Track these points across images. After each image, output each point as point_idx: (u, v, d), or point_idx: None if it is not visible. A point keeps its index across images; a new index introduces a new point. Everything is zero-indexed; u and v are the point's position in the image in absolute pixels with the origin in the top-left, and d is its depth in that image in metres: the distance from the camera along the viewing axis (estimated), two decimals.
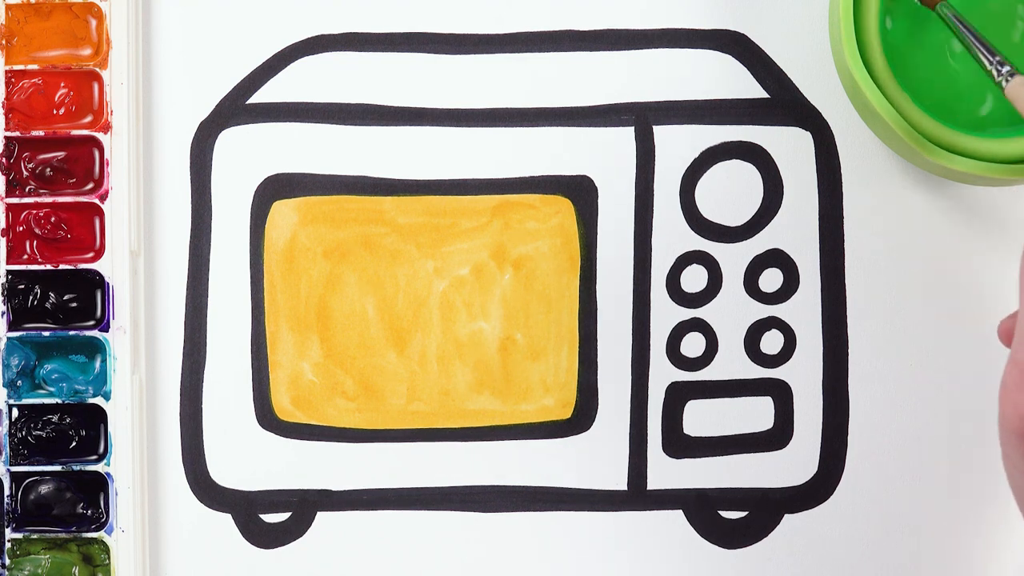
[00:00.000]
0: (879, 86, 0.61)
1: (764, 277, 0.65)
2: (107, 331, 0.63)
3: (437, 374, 0.65)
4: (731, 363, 0.65)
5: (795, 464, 0.65)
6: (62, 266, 0.63)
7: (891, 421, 0.65)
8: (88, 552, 0.63)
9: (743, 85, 0.65)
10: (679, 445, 0.65)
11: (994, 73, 0.56)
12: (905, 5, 0.63)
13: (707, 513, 0.65)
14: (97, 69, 0.63)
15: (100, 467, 0.63)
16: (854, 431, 0.65)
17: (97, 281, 0.63)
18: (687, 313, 0.65)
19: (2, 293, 0.63)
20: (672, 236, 0.65)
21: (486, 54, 0.65)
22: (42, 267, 0.63)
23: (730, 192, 0.65)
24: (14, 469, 0.63)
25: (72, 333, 0.63)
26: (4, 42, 0.64)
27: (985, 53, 0.57)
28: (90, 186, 0.64)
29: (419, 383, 0.65)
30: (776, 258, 0.65)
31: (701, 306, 0.65)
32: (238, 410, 0.65)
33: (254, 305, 0.65)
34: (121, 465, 0.63)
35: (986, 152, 0.61)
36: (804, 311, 0.65)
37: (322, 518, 0.65)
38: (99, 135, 0.63)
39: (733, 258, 0.65)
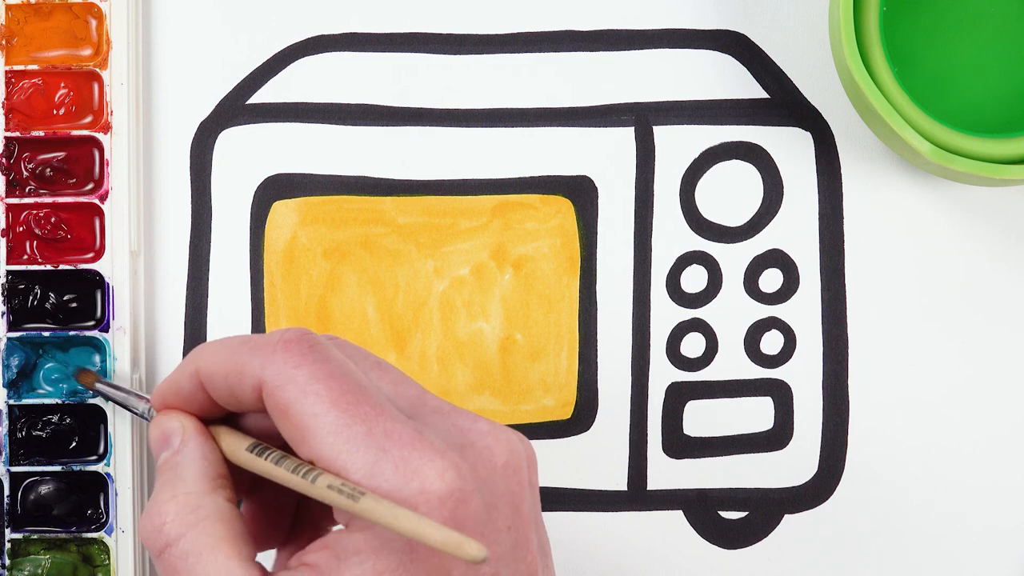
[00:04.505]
0: (879, 86, 0.61)
1: (764, 277, 0.65)
2: (107, 331, 0.63)
3: (437, 374, 0.65)
4: (731, 363, 0.65)
5: (795, 464, 0.65)
6: (62, 266, 0.63)
7: (891, 421, 0.65)
8: (88, 552, 0.63)
9: (743, 85, 0.65)
10: (679, 445, 0.65)
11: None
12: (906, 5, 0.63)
13: (707, 513, 0.65)
14: (97, 69, 0.63)
15: (100, 467, 0.63)
16: (854, 431, 0.65)
17: (97, 281, 0.63)
18: (687, 313, 0.65)
19: (2, 293, 0.63)
20: (672, 236, 0.65)
21: (486, 54, 0.65)
22: (42, 267, 0.63)
23: (730, 192, 0.65)
24: (14, 469, 0.63)
25: (72, 333, 0.63)
26: (4, 42, 0.64)
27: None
28: (90, 186, 0.64)
29: (419, 383, 0.65)
30: (776, 258, 0.65)
31: (701, 306, 0.65)
32: None
33: (254, 305, 0.65)
34: (121, 465, 0.63)
35: (986, 152, 0.61)
36: (804, 311, 0.65)
37: None
38: (99, 135, 0.63)
39: (733, 258, 0.65)
